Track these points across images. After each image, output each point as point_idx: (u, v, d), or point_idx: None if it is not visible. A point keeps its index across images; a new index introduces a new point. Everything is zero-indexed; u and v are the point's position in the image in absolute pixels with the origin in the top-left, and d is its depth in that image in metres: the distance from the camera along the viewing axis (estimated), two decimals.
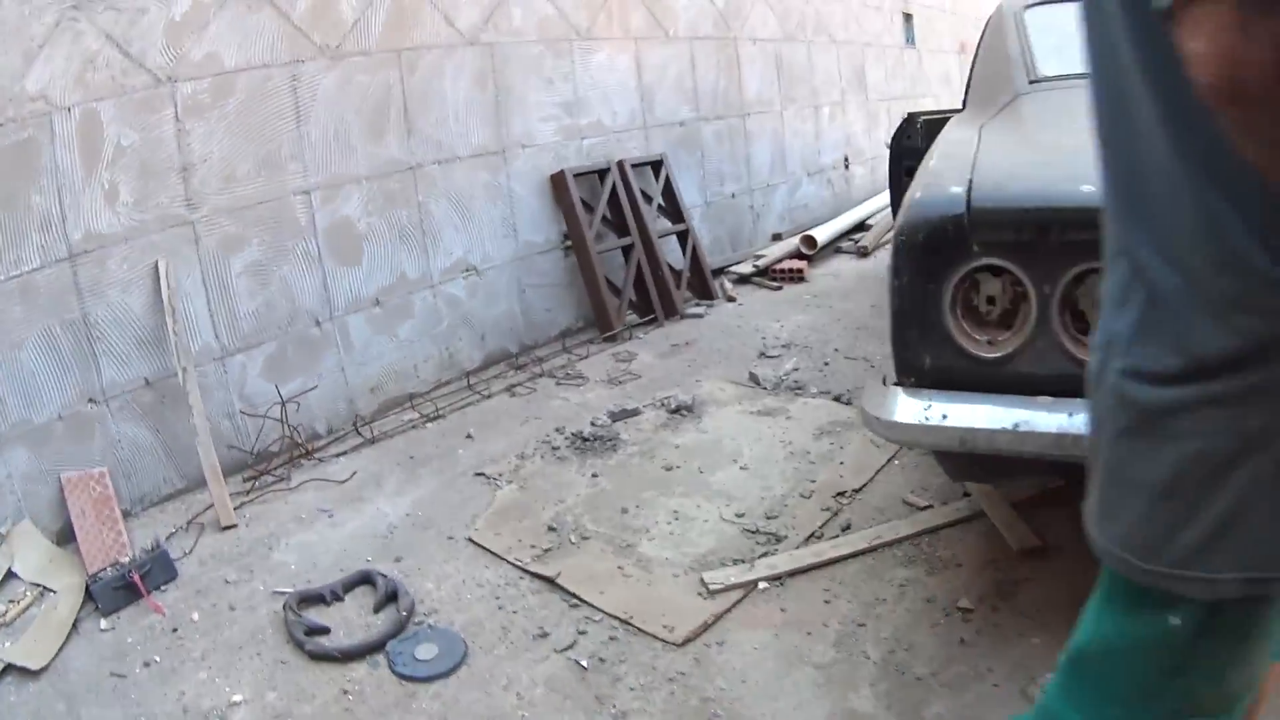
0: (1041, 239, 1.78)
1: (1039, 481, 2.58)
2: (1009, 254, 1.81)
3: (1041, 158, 2.13)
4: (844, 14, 6.82)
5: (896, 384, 1.96)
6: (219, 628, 2.45)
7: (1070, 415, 1.76)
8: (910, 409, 1.89)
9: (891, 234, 2.05)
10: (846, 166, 6.81)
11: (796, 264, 5.53)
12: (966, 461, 2.05)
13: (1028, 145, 2.33)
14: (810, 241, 5.81)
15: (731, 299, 5.18)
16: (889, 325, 1.96)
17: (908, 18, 7.76)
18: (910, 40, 7.85)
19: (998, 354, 1.86)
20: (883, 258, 6.05)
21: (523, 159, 4.45)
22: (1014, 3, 3.33)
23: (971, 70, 3.53)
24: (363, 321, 3.82)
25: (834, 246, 6.16)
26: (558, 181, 4.63)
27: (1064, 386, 1.80)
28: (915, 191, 1.92)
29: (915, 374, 1.93)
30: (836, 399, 3.67)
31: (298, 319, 3.59)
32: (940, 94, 8.13)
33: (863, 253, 6.07)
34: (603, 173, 4.86)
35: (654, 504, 2.95)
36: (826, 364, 4.09)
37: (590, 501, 2.98)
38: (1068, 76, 2.70)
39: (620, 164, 4.90)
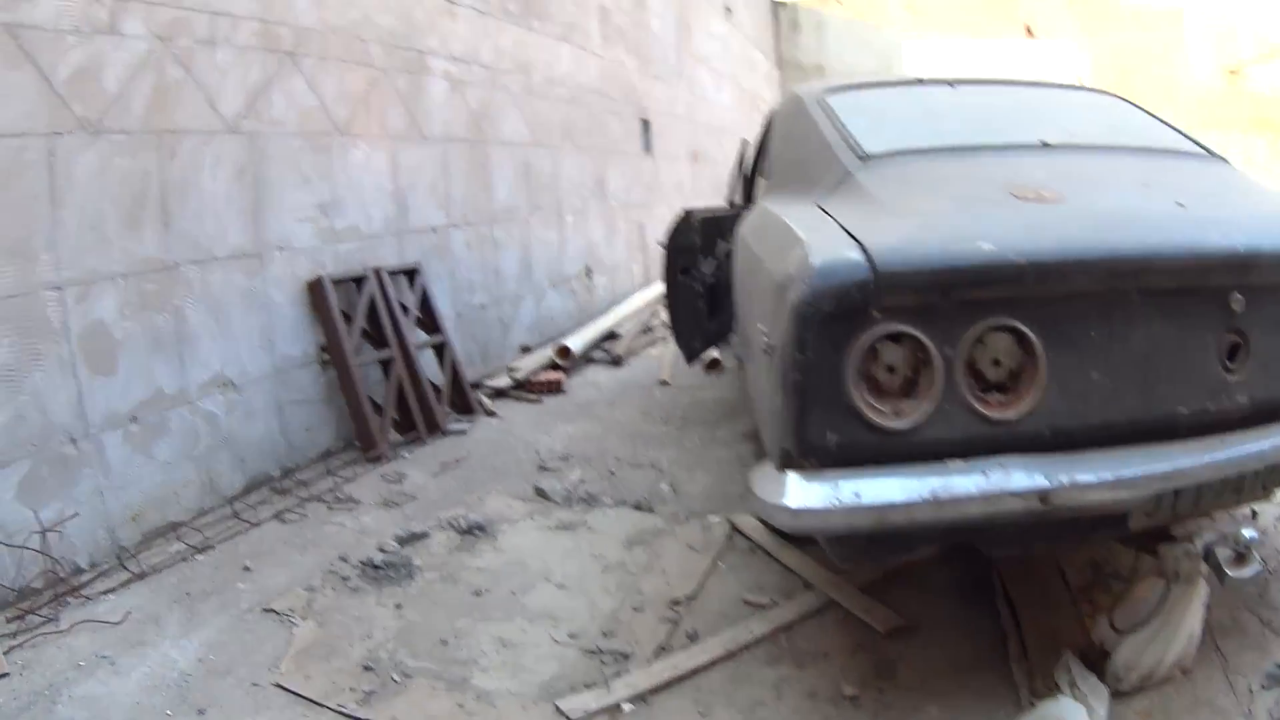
0: (944, 301, 1.77)
1: (926, 552, 2.42)
2: (912, 319, 1.77)
3: (922, 222, 2.09)
4: (588, 120, 6.89)
5: (791, 468, 1.83)
6: None
7: (985, 474, 1.73)
8: (817, 493, 1.77)
9: (775, 309, 1.92)
10: (589, 276, 6.92)
11: (553, 375, 5.51)
12: (865, 541, 1.97)
13: (895, 213, 2.20)
14: (564, 352, 5.80)
15: (491, 413, 5.03)
16: (781, 405, 1.83)
17: (645, 124, 7.82)
18: (647, 148, 7.93)
19: (906, 424, 1.80)
20: (639, 366, 6.14)
21: (280, 263, 4.06)
22: (812, 90, 3.29)
23: (760, 161, 3.47)
24: (120, 440, 3.22)
25: (585, 357, 6.19)
26: (315, 289, 4.27)
27: (972, 448, 1.78)
28: (810, 261, 1.83)
29: (818, 454, 1.81)
30: (636, 507, 3.58)
31: (52, 435, 2.96)
32: (674, 201, 8.11)
33: (617, 361, 6.15)
34: (359, 280, 4.56)
35: (474, 632, 2.71)
36: (613, 473, 4.02)
37: (402, 635, 2.69)
38: (902, 152, 2.64)
39: (378, 272, 4.64)
